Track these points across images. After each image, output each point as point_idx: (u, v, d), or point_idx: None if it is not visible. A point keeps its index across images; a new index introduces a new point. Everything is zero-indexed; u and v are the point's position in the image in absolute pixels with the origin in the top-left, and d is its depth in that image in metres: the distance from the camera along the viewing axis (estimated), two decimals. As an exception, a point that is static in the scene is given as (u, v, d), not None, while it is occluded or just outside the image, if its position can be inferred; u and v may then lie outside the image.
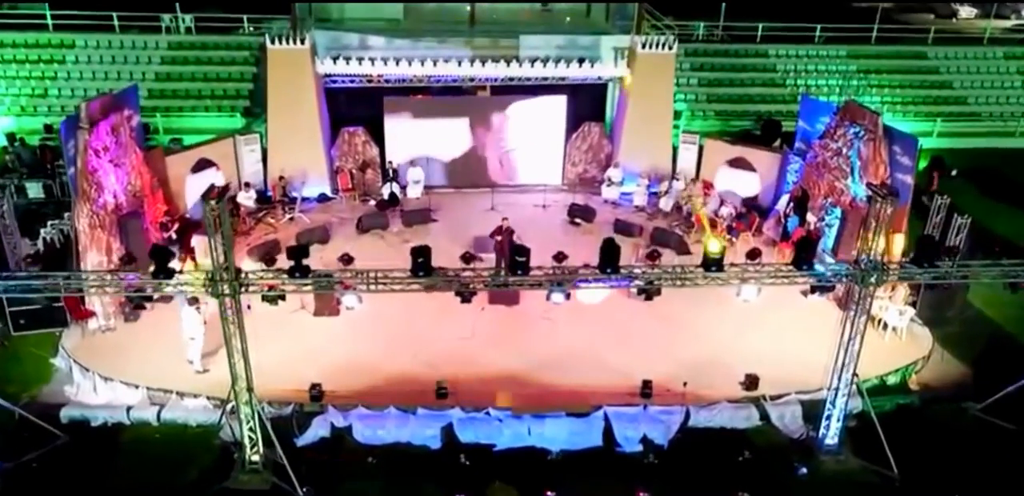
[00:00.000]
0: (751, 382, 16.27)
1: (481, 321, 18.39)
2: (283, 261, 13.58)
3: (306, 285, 13.05)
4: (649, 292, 13.52)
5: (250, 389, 13.76)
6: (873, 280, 13.50)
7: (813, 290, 13.93)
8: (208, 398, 15.81)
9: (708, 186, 23.94)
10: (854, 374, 14.49)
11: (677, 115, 28.76)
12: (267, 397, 15.58)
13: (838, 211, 20.15)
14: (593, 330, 18.13)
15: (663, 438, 15.36)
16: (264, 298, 13.25)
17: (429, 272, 12.88)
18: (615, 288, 13.78)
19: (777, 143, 27.43)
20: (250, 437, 14.18)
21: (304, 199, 24.20)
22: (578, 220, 23.57)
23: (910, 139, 18.17)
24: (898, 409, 16.35)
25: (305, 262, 13.08)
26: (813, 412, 15.78)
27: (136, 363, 16.68)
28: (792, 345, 17.15)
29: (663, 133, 25.42)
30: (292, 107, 24.12)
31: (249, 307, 13.67)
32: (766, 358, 16.96)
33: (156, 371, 16.51)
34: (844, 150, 19.95)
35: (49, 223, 21.00)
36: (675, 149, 25.28)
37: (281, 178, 23.74)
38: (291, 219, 23.26)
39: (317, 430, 15.35)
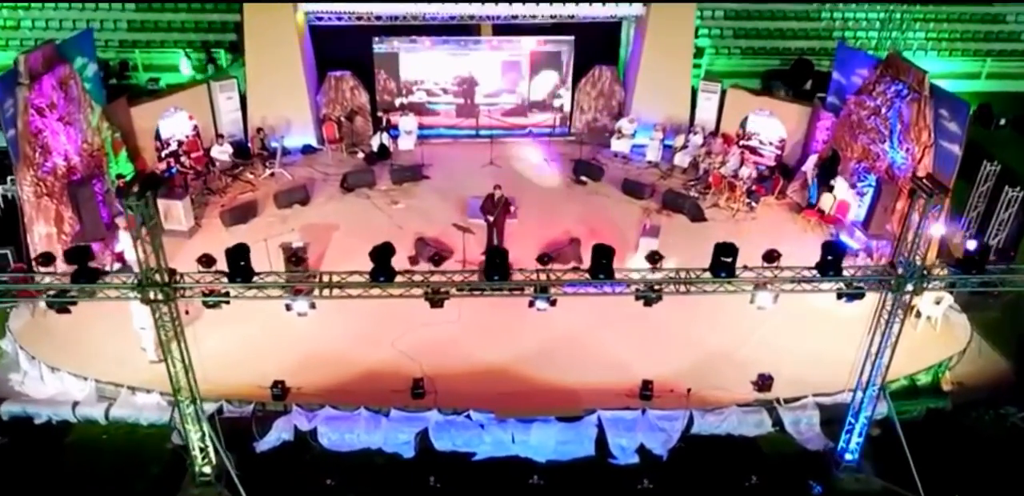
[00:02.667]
0: (764, 383, 14.55)
1: (467, 304, 16.57)
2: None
3: (249, 290, 11.22)
4: (648, 299, 11.62)
5: (195, 400, 12.20)
6: (910, 287, 11.55)
7: (840, 296, 11.96)
8: (161, 394, 14.31)
9: (729, 142, 21.70)
10: (881, 388, 12.71)
11: (699, 52, 26.15)
12: (226, 394, 14.17)
13: (872, 178, 17.98)
14: (593, 314, 16.26)
15: (662, 448, 13.80)
16: (205, 304, 11.52)
17: (391, 276, 11.03)
18: (608, 295, 11.84)
19: (808, 85, 25.00)
20: (200, 447, 12.72)
21: (287, 151, 22.21)
22: (583, 178, 21.49)
23: (960, 103, 15.86)
24: (928, 414, 14.64)
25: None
26: (832, 417, 14.13)
27: (87, 351, 15.16)
28: (814, 339, 15.33)
29: (682, 78, 23.00)
30: (273, 48, 21.86)
31: (187, 312, 11.94)
32: (784, 354, 15.25)
33: (108, 361, 15.00)
34: (883, 110, 17.65)
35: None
36: (694, 93, 22.85)
37: (259, 130, 21.72)
38: (271, 175, 21.34)
39: (279, 433, 13.93)
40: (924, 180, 11.18)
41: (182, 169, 20.15)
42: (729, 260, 11.51)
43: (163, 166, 20.43)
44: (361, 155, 22.52)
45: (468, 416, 13.89)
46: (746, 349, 15.48)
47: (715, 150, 21.26)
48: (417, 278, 11.25)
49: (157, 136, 20.54)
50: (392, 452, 13.77)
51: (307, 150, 22.77)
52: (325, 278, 11.28)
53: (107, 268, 16.93)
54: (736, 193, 20.06)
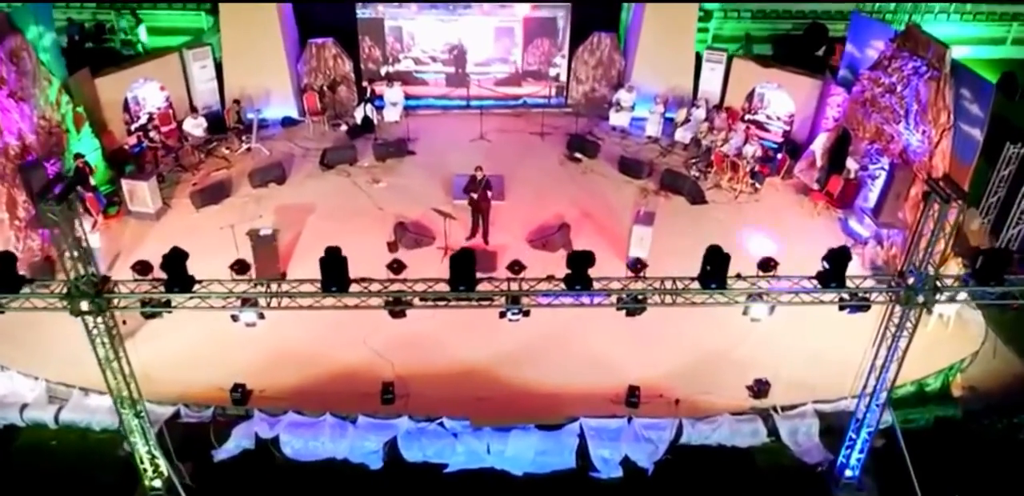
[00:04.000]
0: (761, 389, 13.53)
1: (448, 294, 15.55)
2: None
3: (189, 300, 10.17)
4: (632, 311, 10.54)
5: (139, 414, 11.25)
6: (921, 300, 10.42)
7: (842, 309, 10.83)
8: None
9: (734, 117, 20.36)
10: (885, 403, 11.67)
11: (707, 16, 24.69)
12: (183, 396, 13.26)
13: (885, 161, 16.70)
14: (578, 308, 15.21)
15: (648, 461, 12.85)
16: (144, 315, 10.51)
17: (344, 286, 9.96)
18: (586, 307, 10.74)
19: (821, 51, 23.56)
20: (150, 459, 11.84)
21: (264, 124, 21.01)
22: (578, 155, 20.24)
23: (984, 84, 14.51)
24: (936, 424, 13.62)
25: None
26: (832, 425, 13.16)
27: (38, 349, 14.18)
28: (816, 337, 14.19)
29: (685, 45, 21.53)
30: (249, 13, 20.49)
31: (124, 322, 10.93)
32: (783, 353, 14.20)
33: (61, 360, 14.01)
34: (899, 87, 16.29)
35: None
36: (699, 60, 21.38)
37: (236, 102, 20.49)
38: (248, 150, 20.16)
39: (239, 441, 13.00)
40: (940, 182, 9.95)
41: (151, 144, 18.97)
42: (728, 263, 10.22)
43: (133, 141, 19.26)
44: (344, 128, 21.31)
45: (441, 424, 12.94)
46: (743, 348, 14.42)
47: (718, 126, 19.93)
48: (375, 287, 10.16)
49: (126, 107, 19.37)
50: (359, 462, 12.86)
51: (287, 122, 21.56)
52: (273, 286, 10.15)
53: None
54: (739, 173, 18.82)
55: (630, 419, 13.01)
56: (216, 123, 20.33)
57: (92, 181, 17.17)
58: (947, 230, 9.95)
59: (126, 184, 17.16)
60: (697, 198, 18.53)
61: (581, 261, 10.07)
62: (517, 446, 12.78)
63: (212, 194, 18.15)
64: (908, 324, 10.69)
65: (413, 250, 16.73)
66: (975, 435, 13.46)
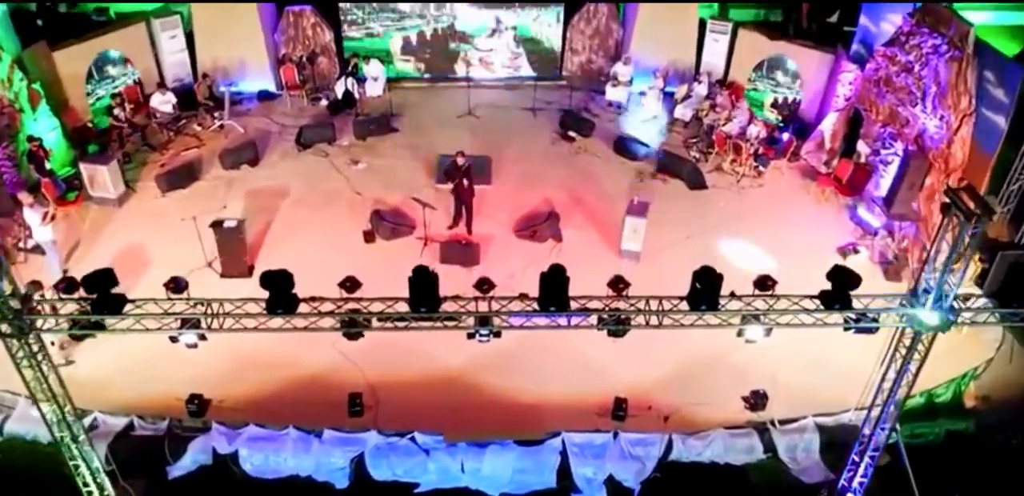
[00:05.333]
0: (757, 401, 12.55)
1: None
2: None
3: (121, 321, 9.15)
4: (616, 332, 9.50)
5: (75, 440, 10.32)
6: (937, 322, 9.34)
7: (847, 329, 9.75)
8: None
9: (738, 94, 19.05)
10: (893, 429, 10.69)
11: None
12: (137, 407, 12.35)
13: (899, 147, 15.48)
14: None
15: (634, 480, 11.95)
16: (72, 337, 9.49)
17: (291, 306, 8.93)
18: (562, 328, 9.68)
19: (835, 17, 22.04)
20: (94, 480, 10.95)
21: (239, 98, 19.81)
22: (571, 133, 19.01)
23: (1012, 66, 13.22)
24: (947, 439, 12.66)
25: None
26: (834, 440, 12.21)
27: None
28: (819, 340, 13.10)
29: (689, 15, 20.10)
30: (221, -22, 19.21)
31: (56, 344, 9.93)
32: (782, 358, 13.15)
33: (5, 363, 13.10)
34: (916, 67, 14.99)
35: None
36: (703, 29, 19.94)
37: (205, 75, 19.25)
38: (220, 127, 18.98)
39: (196, 456, 12.11)
40: (962, 193, 8.78)
41: (115, 123, 17.79)
42: (720, 283, 9.14)
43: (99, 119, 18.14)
44: (324, 103, 20.07)
45: (412, 439, 12.01)
46: (739, 353, 13.28)
47: (721, 103, 18.65)
48: (327, 307, 9.12)
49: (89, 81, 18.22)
50: (324, 481, 11.97)
51: (263, 96, 20.33)
52: (214, 306, 9.12)
53: (22, 245, 15.00)
54: (742, 156, 17.60)
55: (616, 434, 12.07)
56: (187, 98, 19.09)
57: (48, 165, 16.05)
58: (967, 250, 8.81)
59: (85, 168, 16.05)
60: (696, 182, 17.37)
61: (556, 278, 8.97)
62: (494, 464, 11.87)
63: (179, 177, 17.04)
64: (920, 347, 9.62)
65: (391, 240, 15.69)
66: (989, 451, 12.49)
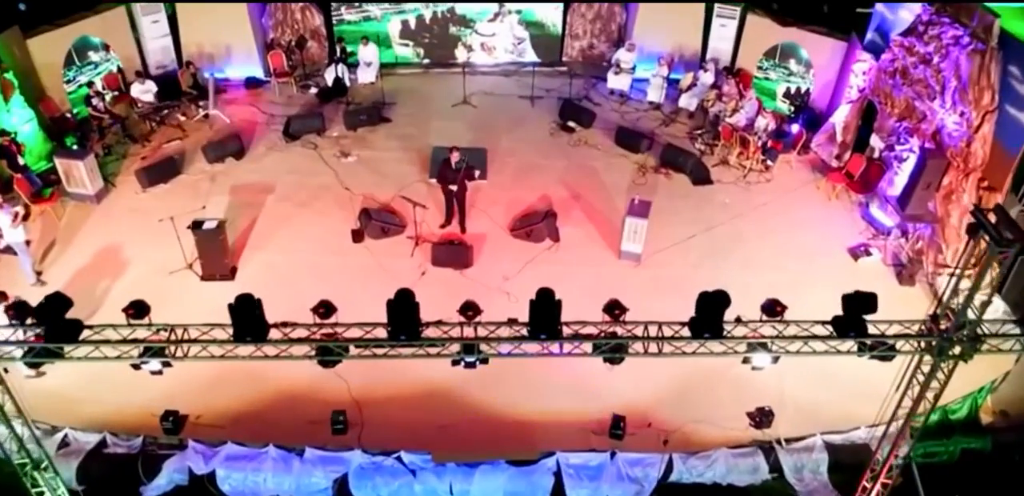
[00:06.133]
0: (763, 418, 11.90)
1: (416, 295, 13.74)
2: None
3: (77, 349, 8.47)
4: (612, 359, 8.82)
5: (37, 467, 9.71)
6: (957, 352, 8.65)
7: (860, 349, 9.02)
8: (34, 422, 11.81)
9: (746, 83, 18.19)
10: (907, 458, 10.04)
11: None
12: (110, 423, 11.74)
13: (915, 142, 14.67)
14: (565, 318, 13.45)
15: (632, 504, 11.32)
16: (28, 365, 8.84)
17: (261, 333, 8.26)
18: (553, 356, 9.00)
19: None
20: (62, 506, 10.39)
21: (225, 86, 19.01)
22: (571, 124, 18.20)
23: (1040, 61, 12.40)
24: (962, 458, 12.01)
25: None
26: (842, 460, 11.60)
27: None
28: (826, 359, 12.44)
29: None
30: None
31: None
32: (789, 370, 12.38)
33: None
34: (935, 58, 14.13)
35: None
36: (709, 13, 18.99)
37: (189, 63, 18.44)
38: (205, 117, 18.18)
39: (171, 475, 11.53)
40: (990, 216, 8.04)
41: (94, 113, 17.02)
42: (724, 309, 8.44)
43: (77, 109, 17.39)
44: (314, 90, 19.26)
45: (398, 458, 11.41)
46: (743, 367, 12.57)
47: (727, 92, 17.81)
48: (299, 333, 8.44)
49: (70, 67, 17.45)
50: (305, 503, 11.38)
51: (251, 83, 19.50)
52: (178, 332, 8.45)
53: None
54: (749, 149, 16.79)
55: (613, 454, 11.45)
56: (171, 86, 18.28)
57: (22, 160, 15.32)
58: (993, 276, 8.10)
59: (60, 163, 15.31)
60: (701, 177, 16.59)
61: (546, 303, 8.27)
62: (484, 486, 11.29)
63: (161, 171, 16.31)
64: (940, 375, 8.93)
65: (381, 240, 14.99)
66: (1007, 471, 11.84)
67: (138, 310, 8.29)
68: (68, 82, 17.57)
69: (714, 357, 8.88)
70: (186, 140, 17.57)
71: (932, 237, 14.29)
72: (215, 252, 13.90)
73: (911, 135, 14.77)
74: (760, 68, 18.25)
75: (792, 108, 17.91)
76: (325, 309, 8.34)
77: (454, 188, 14.66)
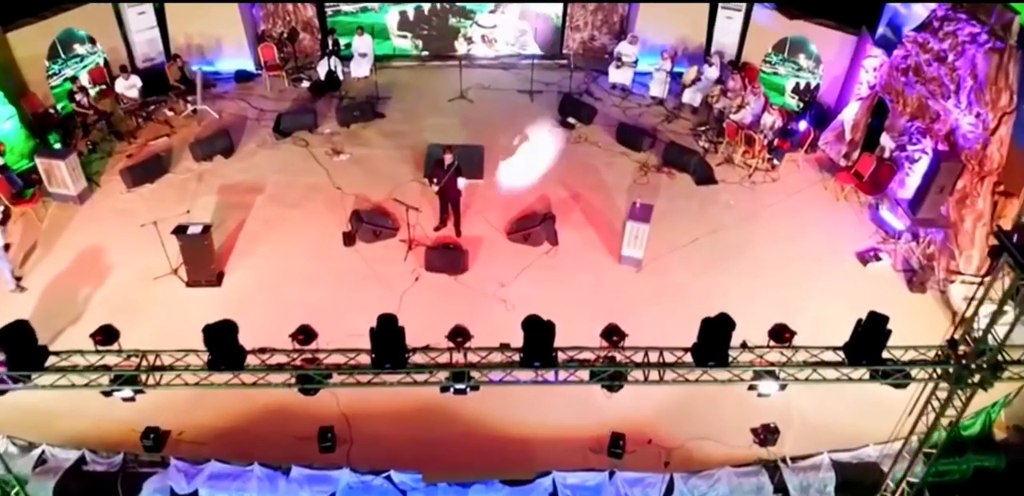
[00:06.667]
0: (767, 435, 11.43)
1: (409, 302, 13.36)
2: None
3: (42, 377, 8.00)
4: (611, 387, 8.34)
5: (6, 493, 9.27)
6: (976, 380, 8.16)
7: (873, 376, 8.53)
8: (8, 437, 11.38)
9: (752, 77, 17.59)
10: (920, 482, 9.58)
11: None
12: (90, 438, 11.29)
13: (927, 143, 14.13)
14: (563, 327, 12.84)
15: (631, 525, 10.87)
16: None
17: (237, 361, 7.78)
18: (548, 384, 8.51)
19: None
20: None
21: (213, 80, 18.44)
22: (571, 120, 17.63)
23: (1060, 62, 11.82)
24: (975, 477, 11.55)
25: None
26: (851, 479, 11.13)
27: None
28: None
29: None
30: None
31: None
32: (795, 394, 11.84)
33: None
34: (951, 56, 13.56)
35: None
36: (714, 5, 18.39)
37: (176, 57, 17.86)
38: (193, 112, 17.63)
39: (152, 495, 11.06)
40: (1015, 239, 7.52)
41: (79, 109, 16.47)
42: (730, 336, 7.94)
43: (62, 104, 16.85)
44: (306, 84, 18.69)
45: (388, 478, 10.95)
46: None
47: (733, 88, 17.22)
48: (277, 359, 7.96)
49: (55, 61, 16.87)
50: (292, 523, 10.94)
51: (241, 77, 18.92)
52: (150, 358, 7.97)
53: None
54: (755, 147, 16.23)
55: (612, 473, 10.98)
56: (158, 80, 17.71)
57: (1, 160, 14.78)
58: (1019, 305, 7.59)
59: (41, 163, 14.78)
60: (704, 177, 16.05)
61: (539, 329, 7.78)
62: (476, 506, 10.83)
63: (147, 170, 15.78)
64: (957, 403, 8.45)
65: (373, 244, 14.49)
66: (1022, 490, 11.38)
67: (107, 336, 7.80)
68: (53, 75, 16.98)
69: (716, 374, 8.42)
70: (174, 137, 17.05)
71: (944, 242, 13.78)
72: (201, 257, 13.41)
73: (924, 135, 14.23)
74: (769, 62, 17.63)
75: (801, 104, 17.30)
76: (305, 335, 7.83)
77: (435, 188, 14.06)
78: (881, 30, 15.81)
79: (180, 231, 13.12)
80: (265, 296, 13.45)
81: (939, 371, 8.20)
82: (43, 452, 11.18)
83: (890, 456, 10.99)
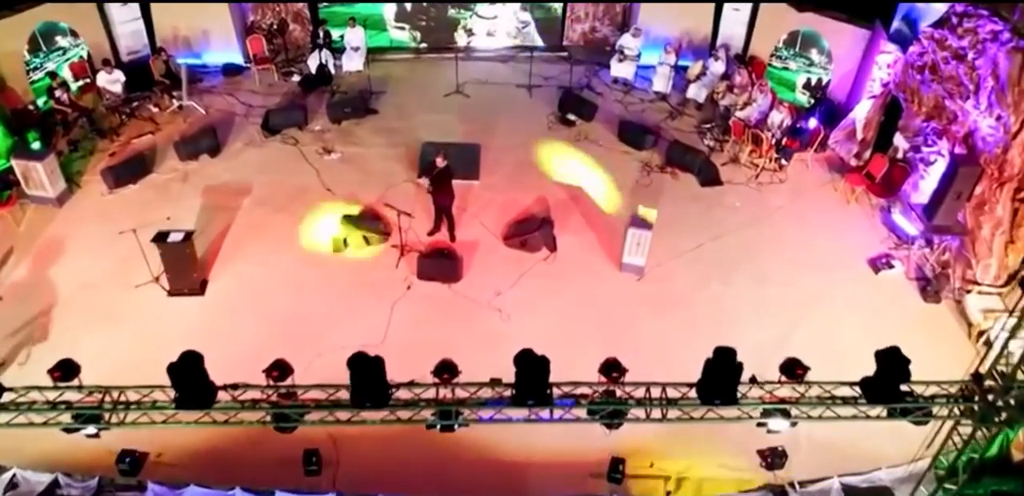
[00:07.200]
0: (775, 458, 10.89)
1: (401, 312, 12.80)
2: None
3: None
4: (611, 424, 7.78)
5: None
6: (1003, 418, 7.58)
7: (891, 413, 7.97)
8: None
9: (759, 72, 16.90)
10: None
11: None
12: (64, 461, 10.76)
13: (943, 145, 13.48)
14: (555, 343, 12.38)
15: (631, 555, 10.36)
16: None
17: (205, 399, 7.21)
18: (542, 423, 7.94)
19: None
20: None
21: (200, 74, 17.78)
22: (571, 116, 16.97)
23: (1088, 64, 11.14)
24: (992, 501, 10.98)
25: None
26: (862, 503, 10.63)
27: None
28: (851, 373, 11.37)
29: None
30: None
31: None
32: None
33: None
34: (970, 55, 12.89)
35: None
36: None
37: (161, 50, 17.18)
38: (179, 108, 16.99)
39: (127, 522, 10.57)
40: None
41: (57, 106, 15.82)
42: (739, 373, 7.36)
43: (42, 100, 16.21)
44: (297, 78, 18.02)
45: (375, 503, 10.44)
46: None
47: (739, 84, 16.55)
48: (252, 395, 7.40)
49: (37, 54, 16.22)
50: (274, 552, 10.43)
51: (229, 71, 18.24)
52: (114, 394, 7.41)
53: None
54: (762, 147, 15.58)
55: (611, 499, 10.47)
56: (143, 74, 17.03)
57: (-26, 160, 14.21)
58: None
59: (17, 164, 14.18)
60: (709, 178, 15.42)
61: (534, 364, 7.21)
62: (468, 536, 10.31)
63: (129, 170, 15.17)
64: (981, 441, 7.88)
65: (363, 249, 13.91)
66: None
67: (66, 372, 7.22)
68: (35, 69, 16.33)
69: (724, 411, 7.86)
70: (158, 134, 16.41)
71: (960, 249, 13.18)
72: (183, 266, 12.83)
73: (939, 137, 13.58)
74: (780, 57, 16.91)
75: (811, 100, 16.61)
76: (280, 371, 7.25)
77: (424, 183, 13.48)
78: (896, 24, 15.07)
79: (160, 239, 12.53)
80: (250, 306, 12.91)
81: (963, 408, 7.60)
82: (14, 475, 10.67)
83: (903, 479, 10.50)
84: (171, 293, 13.07)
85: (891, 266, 13.64)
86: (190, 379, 7.03)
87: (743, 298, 13.12)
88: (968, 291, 12.92)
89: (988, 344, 12.15)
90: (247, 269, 13.53)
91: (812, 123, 15.66)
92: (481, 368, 11.23)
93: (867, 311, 12.90)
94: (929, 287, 13.27)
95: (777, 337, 12.31)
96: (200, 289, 13.13)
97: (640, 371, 10.71)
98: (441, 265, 13.33)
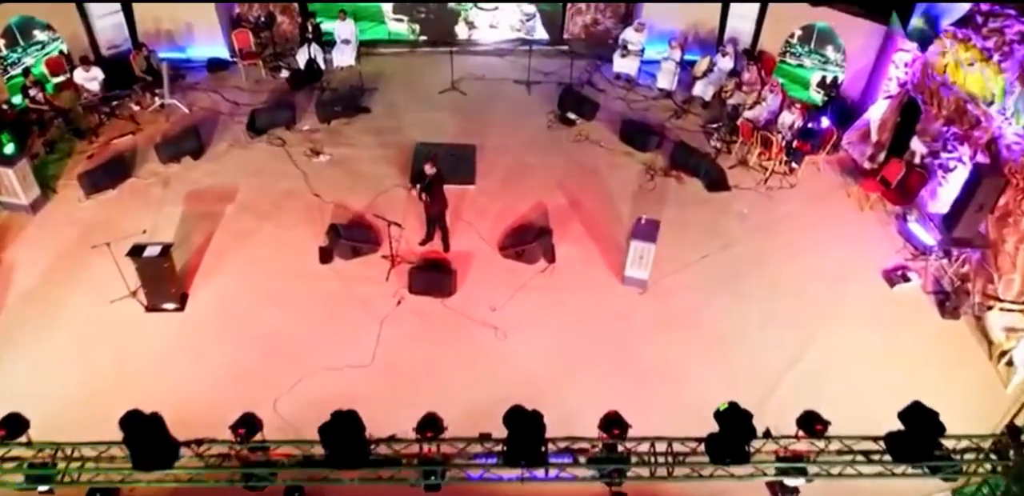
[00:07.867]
0: (785, 494, 10.24)
1: (391, 330, 12.14)
2: None
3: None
4: (611, 483, 7.14)
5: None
6: (1040, 475, 6.93)
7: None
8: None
9: (768, 69, 16.11)
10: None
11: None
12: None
13: (964, 151, 12.75)
14: (557, 368, 11.73)
15: (633, 597, 9.75)
16: None
17: (167, 458, 6.56)
18: (536, 481, 7.30)
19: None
20: None
21: (182, 70, 17.01)
22: (571, 115, 16.22)
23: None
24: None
25: None
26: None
27: None
28: (862, 402, 10.72)
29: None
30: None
31: None
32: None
33: None
34: (995, 57, 12.13)
35: None
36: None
37: (142, 46, 16.42)
38: (161, 106, 16.25)
39: (99, 559, 9.94)
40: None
41: (32, 105, 15.08)
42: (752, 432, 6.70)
43: (18, 99, 15.48)
44: (285, 74, 17.26)
45: (362, 540, 9.80)
46: (765, 418, 11.02)
47: (748, 81, 15.77)
48: (217, 450, 6.75)
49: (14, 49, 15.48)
50: (254, 593, 9.82)
51: (214, 66, 17.47)
52: (67, 451, 6.77)
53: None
54: (772, 149, 14.84)
55: (613, 535, 9.83)
56: (123, 71, 16.27)
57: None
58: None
59: (-5, 171, 13.47)
60: (716, 183, 14.70)
61: (526, 422, 6.55)
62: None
63: (107, 174, 14.46)
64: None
65: (351, 261, 13.23)
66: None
67: (12, 428, 6.57)
68: (12, 65, 15.60)
69: (735, 469, 7.21)
70: (139, 134, 15.72)
71: (981, 261, 12.49)
72: (160, 280, 12.15)
73: (960, 142, 12.85)
74: (794, 54, 16.10)
75: (825, 99, 15.84)
76: (248, 428, 6.59)
77: (420, 196, 12.78)
78: (914, 21, 14.21)
79: (136, 253, 11.84)
80: (231, 322, 12.26)
81: (996, 466, 6.96)
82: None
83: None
84: (149, 308, 12.40)
85: (907, 279, 12.94)
86: (147, 439, 6.37)
87: (751, 314, 12.47)
88: (989, 307, 12.24)
89: (1010, 364, 11.53)
90: (229, 282, 12.86)
91: (825, 122, 14.92)
92: (465, 391, 10.67)
93: (882, 329, 12.25)
94: (948, 302, 12.58)
95: (788, 358, 11.70)
96: (180, 304, 12.46)
97: (643, 396, 10.13)
98: (434, 278, 12.66)
